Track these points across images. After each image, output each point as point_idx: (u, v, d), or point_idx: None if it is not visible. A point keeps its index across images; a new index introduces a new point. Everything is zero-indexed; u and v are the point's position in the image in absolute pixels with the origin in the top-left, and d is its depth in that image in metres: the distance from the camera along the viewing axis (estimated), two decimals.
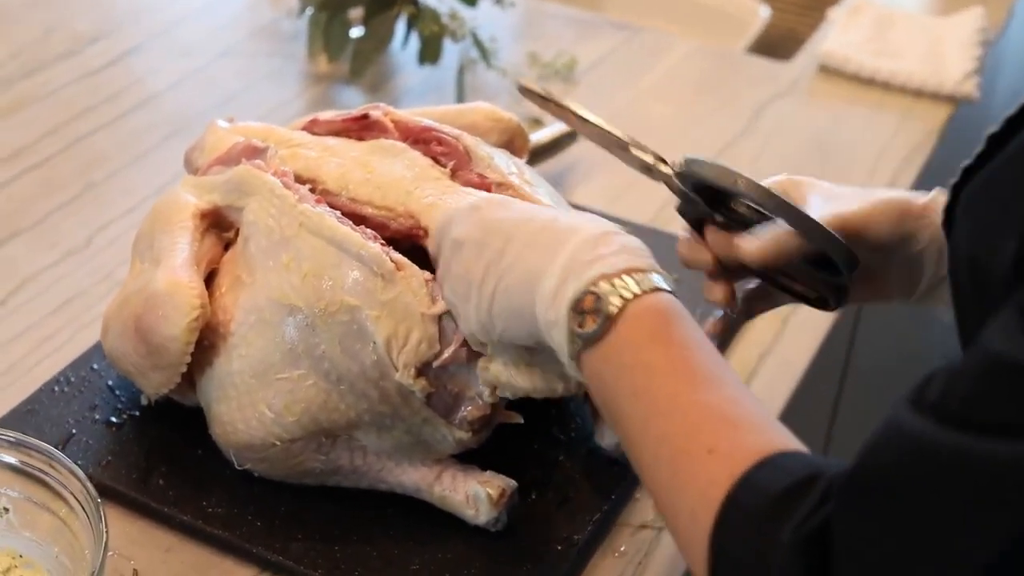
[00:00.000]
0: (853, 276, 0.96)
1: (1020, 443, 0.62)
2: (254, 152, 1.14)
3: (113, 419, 1.15)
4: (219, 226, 1.14)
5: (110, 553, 0.99)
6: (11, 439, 1.02)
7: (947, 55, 1.82)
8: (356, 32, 1.73)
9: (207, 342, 1.06)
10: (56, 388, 1.18)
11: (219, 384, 1.06)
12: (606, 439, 1.13)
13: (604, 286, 0.83)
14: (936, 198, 0.99)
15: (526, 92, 1.07)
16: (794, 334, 1.34)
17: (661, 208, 1.48)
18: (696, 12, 2.20)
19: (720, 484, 0.73)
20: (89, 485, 0.98)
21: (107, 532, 0.95)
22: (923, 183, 1.61)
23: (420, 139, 1.15)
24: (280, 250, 1.05)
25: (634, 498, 1.14)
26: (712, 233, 0.98)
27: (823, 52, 1.84)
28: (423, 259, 1.03)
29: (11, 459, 1.02)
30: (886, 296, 1.03)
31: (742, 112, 1.74)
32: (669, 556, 1.10)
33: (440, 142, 1.14)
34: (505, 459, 1.09)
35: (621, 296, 0.83)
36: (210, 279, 1.10)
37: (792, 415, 1.23)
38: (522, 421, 1.06)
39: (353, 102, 1.70)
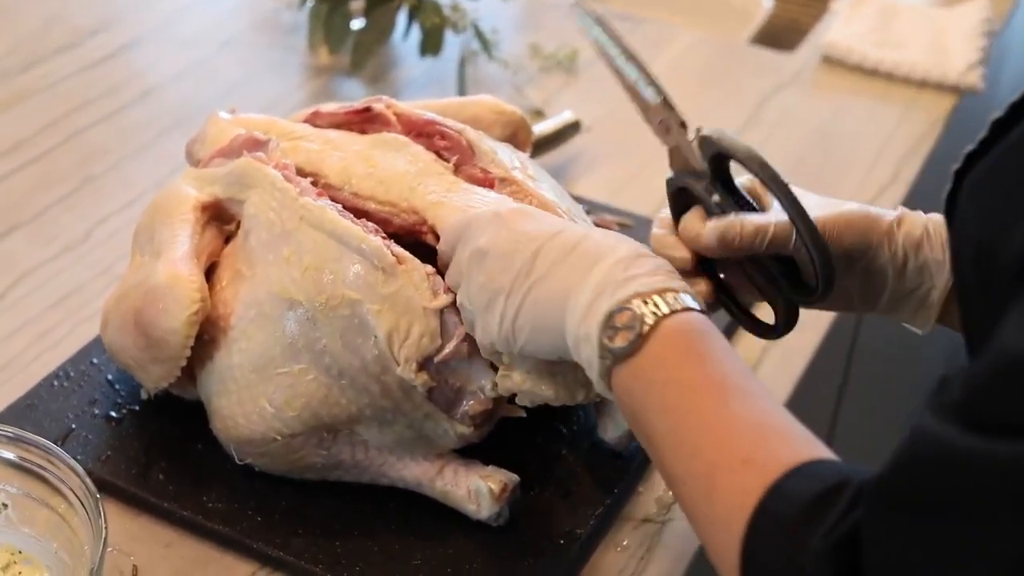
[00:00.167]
0: (827, 292, 0.94)
1: None
2: (256, 144, 1.13)
3: (113, 414, 1.15)
4: (220, 219, 1.13)
5: (109, 549, 0.98)
6: (10, 435, 1.02)
7: (951, 46, 1.81)
8: (357, 24, 1.73)
9: (207, 336, 1.06)
10: (55, 383, 1.17)
11: (219, 378, 1.06)
12: (609, 433, 1.13)
13: (638, 304, 0.84)
14: (903, 217, 0.99)
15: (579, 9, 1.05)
16: (798, 325, 1.33)
17: (663, 200, 1.47)
18: (699, 3, 2.19)
19: (753, 494, 0.74)
20: (88, 481, 0.97)
21: (106, 528, 0.94)
22: (927, 174, 1.60)
23: (423, 133, 1.15)
24: (281, 243, 1.04)
25: (637, 492, 1.13)
26: (685, 221, 0.97)
27: (826, 43, 1.83)
28: (424, 253, 1.02)
29: (10, 455, 1.02)
30: (847, 305, 1.03)
31: (745, 103, 1.73)
32: (672, 550, 1.09)
33: (443, 136, 1.13)
34: (507, 453, 1.08)
35: (654, 313, 0.83)
36: (210, 272, 1.09)
37: (796, 406, 1.22)
38: (524, 415, 1.05)
39: (354, 94, 1.69)
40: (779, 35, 2.06)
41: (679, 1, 2.19)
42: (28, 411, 1.14)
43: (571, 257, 0.89)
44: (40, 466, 1.01)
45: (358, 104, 1.19)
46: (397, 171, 1.09)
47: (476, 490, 1.04)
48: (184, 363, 1.05)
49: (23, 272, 1.35)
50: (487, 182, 1.09)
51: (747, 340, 1.30)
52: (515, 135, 1.25)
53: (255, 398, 1.04)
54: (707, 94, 1.76)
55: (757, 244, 0.94)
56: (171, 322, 1.04)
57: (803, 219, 0.92)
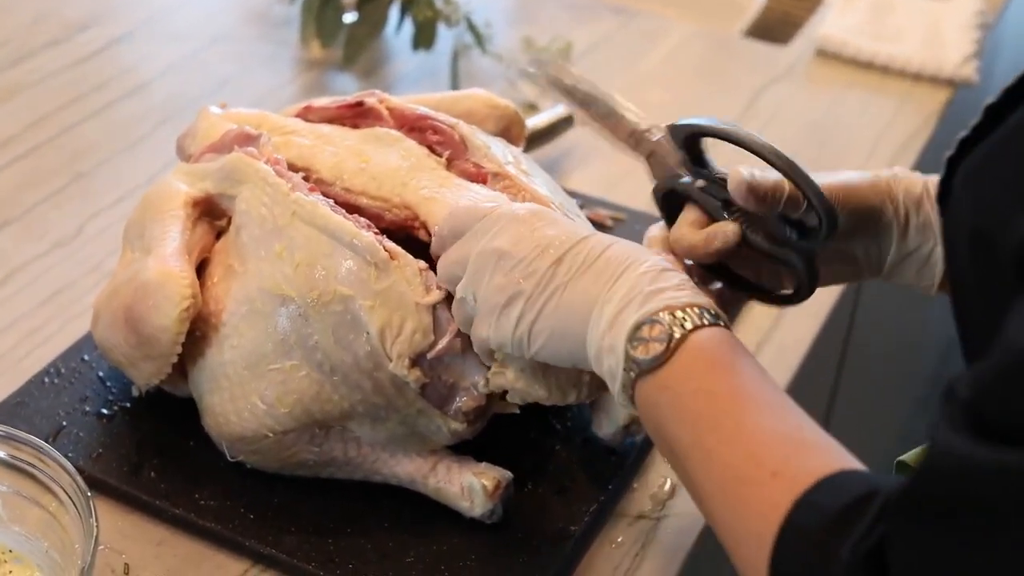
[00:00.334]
0: (834, 235, 0.94)
1: None
2: (247, 139, 1.13)
3: (104, 411, 1.14)
4: (211, 214, 1.13)
5: (101, 547, 0.98)
6: (0, 432, 1.01)
7: (946, 38, 1.81)
8: (349, 17, 1.72)
9: (198, 332, 1.05)
10: (46, 380, 1.16)
11: (211, 375, 1.05)
12: (603, 428, 1.12)
13: (666, 316, 0.83)
14: (901, 176, 1.00)
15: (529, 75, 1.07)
16: (792, 321, 1.33)
17: None
18: None
19: (782, 506, 0.73)
20: (79, 479, 0.97)
21: (97, 526, 0.94)
22: (922, 167, 1.59)
23: (415, 127, 1.14)
24: (273, 239, 1.03)
25: (631, 488, 1.13)
26: (676, 230, 0.97)
27: (821, 36, 1.83)
28: (416, 249, 1.01)
29: (0, 453, 1.01)
30: (856, 273, 1.03)
31: (740, 97, 1.73)
32: (667, 546, 1.09)
33: (436, 131, 1.13)
34: (500, 449, 1.08)
35: (682, 326, 0.83)
36: (202, 268, 1.09)
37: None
38: (518, 411, 1.05)
39: (346, 88, 1.68)
40: (772, 28, 2.06)
41: None
42: (19, 408, 1.13)
43: (595, 266, 0.88)
44: (31, 464, 1.00)
45: (350, 99, 1.18)
46: (389, 166, 1.09)
47: (469, 487, 1.04)
48: (175, 360, 1.05)
49: (13, 269, 1.34)
50: (480, 177, 1.08)
51: (740, 335, 1.30)
52: (508, 129, 1.24)
53: (247, 395, 1.03)
54: (701, 88, 1.75)
55: (779, 194, 0.93)
56: (162, 319, 1.03)
57: (788, 162, 0.92)
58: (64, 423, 1.12)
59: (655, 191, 1.00)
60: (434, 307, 0.99)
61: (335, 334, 0.99)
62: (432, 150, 1.11)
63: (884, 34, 1.83)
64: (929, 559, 0.65)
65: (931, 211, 0.98)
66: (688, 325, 0.83)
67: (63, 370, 1.17)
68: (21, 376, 1.17)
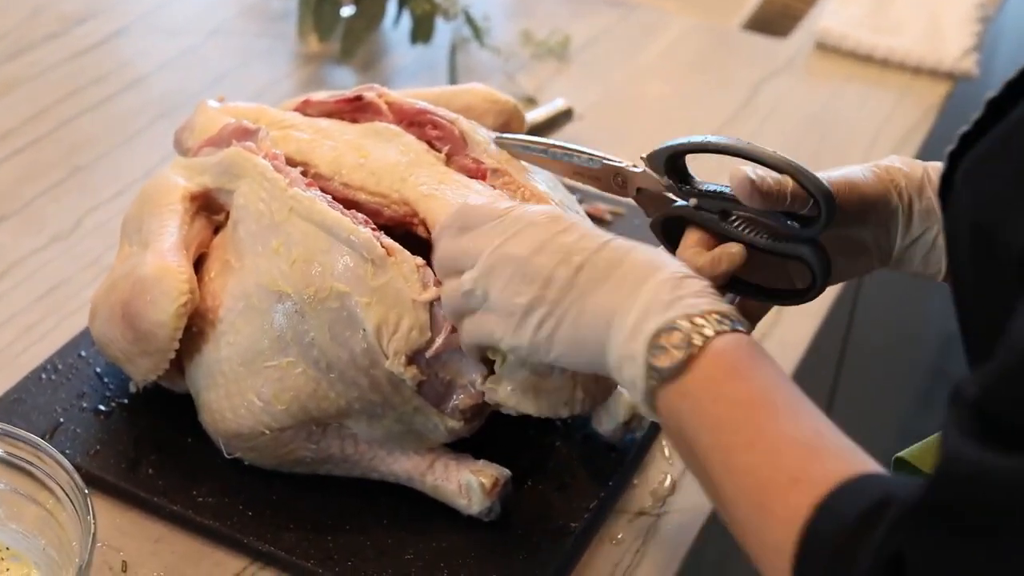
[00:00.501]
0: (834, 216, 0.94)
1: None
2: (245, 134, 1.12)
3: (101, 407, 1.13)
4: (209, 209, 1.12)
5: (98, 544, 0.97)
6: None
7: (946, 31, 1.80)
8: (347, 11, 1.71)
9: (195, 328, 1.05)
10: (43, 376, 1.16)
11: (208, 371, 1.05)
12: (603, 425, 1.12)
13: (685, 323, 0.83)
14: (899, 163, 1.00)
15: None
16: (792, 318, 1.33)
17: None
18: None
19: (802, 513, 0.73)
20: (76, 476, 0.96)
21: (95, 523, 0.93)
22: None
23: (415, 122, 1.13)
24: (270, 235, 1.03)
25: (632, 485, 1.12)
26: (680, 255, 0.97)
27: (820, 29, 1.82)
28: (414, 245, 1.01)
29: None
30: (867, 264, 1.02)
31: (739, 90, 1.72)
32: (667, 543, 1.08)
33: (435, 126, 1.12)
34: (499, 446, 1.08)
35: (702, 334, 0.82)
36: (199, 263, 1.08)
37: None
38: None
39: (344, 82, 1.68)
40: (772, 21, 2.05)
41: None
42: (16, 405, 1.13)
43: (616, 274, 0.87)
44: (28, 461, 1.00)
45: (349, 93, 1.18)
46: (388, 161, 1.08)
47: (467, 485, 1.03)
48: (172, 356, 1.05)
49: (10, 264, 1.33)
50: (479, 173, 1.08)
51: None
52: (508, 124, 1.23)
53: (243, 392, 1.02)
54: (700, 81, 1.75)
55: (783, 188, 0.93)
56: (159, 314, 1.03)
57: (773, 157, 0.92)
58: (61, 419, 1.12)
59: (652, 225, 1.00)
60: (431, 304, 0.98)
61: (331, 331, 0.99)
62: (431, 145, 1.11)
63: (884, 27, 1.82)
64: (946, 568, 0.65)
65: (933, 196, 0.98)
66: (708, 332, 0.82)
67: (60, 366, 1.17)
68: (18, 372, 1.17)
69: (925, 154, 1.61)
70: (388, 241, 1.00)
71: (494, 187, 1.06)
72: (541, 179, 1.10)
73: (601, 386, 0.99)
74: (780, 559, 0.74)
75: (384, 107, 1.15)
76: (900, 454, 0.98)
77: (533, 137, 1.06)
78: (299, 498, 1.07)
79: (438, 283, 0.98)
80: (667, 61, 1.79)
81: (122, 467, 1.08)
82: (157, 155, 1.49)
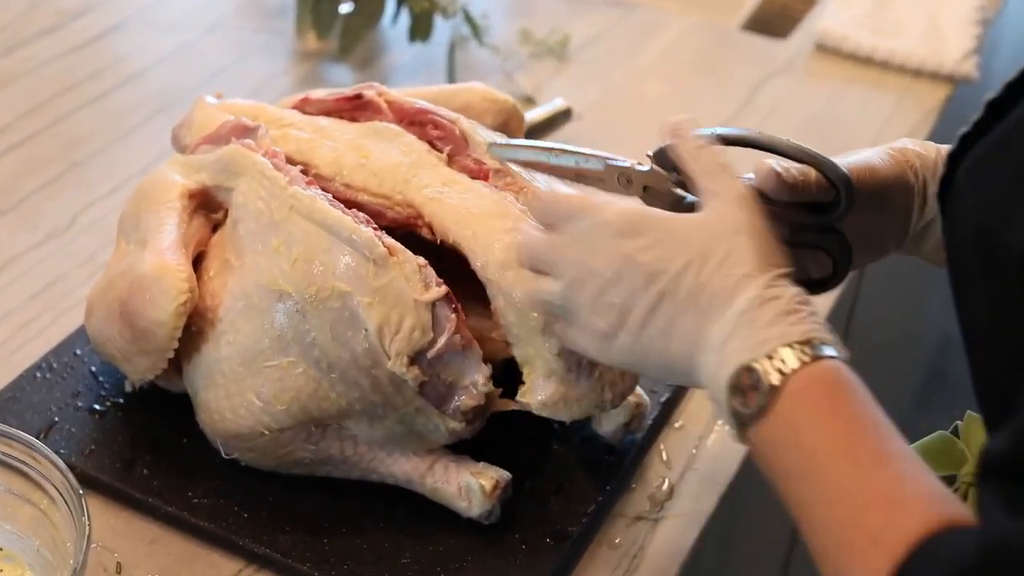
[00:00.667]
0: (852, 199, 0.93)
1: None
2: (244, 131, 1.11)
3: (96, 406, 1.13)
4: (207, 207, 1.12)
5: (93, 545, 0.97)
6: None
7: (946, 33, 1.80)
8: (345, 8, 1.70)
9: (194, 327, 1.04)
10: (38, 374, 1.15)
11: (206, 371, 1.04)
12: (603, 426, 1.11)
13: (763, 363, 0.80)
14: (913, 145, 1.00)
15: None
16: None
17: None
18: None
19: None
20: (71, 476, 0.96)
21: (90, 524, 0.93)
22: None
23: (415, 122, 1.13)
24: (270, 234, 1.02)
25: (630, 488, 1.12)
26: None
27: (820, 30, 1.82)
28: (416, 245, 1.00)
29: None
30: (883, 247, 1.02)
31: (738, 91, 1.71)
32: (665, 548, 1.08)
33: (436, 125, 1.11)
34: (499, 448, 1.07)
35: (779, 371, 0.79)
36: (198, 262, 1.08)
37: None
38: (516, 409, 1.04)
39: (342, 79, 1.67)
40: (771, 21, 2.04)
41: None
42: (10, 404, 1.12)
43: (698, 303, 0.84)
44: (22, 461, 0.99)
45: (348, 91, 1.17)
46: (390, 162, 1.07)
47: (467, 487, 1.03)
48: (171, 355, 1.04)
49: (5, 260, 1.33)
50: (482, 173, 1.07)
51: None
52: (507, 123, 1.22)
53: (243, 391, 1.02)
54: (700, 81, 1.74)
55: (808, 180, 0.92)
56: (158, 313, 1.02)
57: (787, 145, 0.92)
58: (56, 419, 1.11)
59: None
60: (433, 304, 0.98)
61: (333, 331, 0.98)
62: (432, 145, 1.10)
63: (884, 28, 1.82)
64: None
65: None
66: (787, 368, 0.79)
67: (55, 365, 1.16)
68: (12, 371, 1.16)
69: None
70: (390, 241, 0.99)
71: (497, 188, 1.05)
72: (542, 178, 1.09)
73: (627, 380, 1.00)
74: None
75: (384, 106, 1.15)
76: None
77: (531, 141, 1.05)
78: (296, 500, 1.06)
79: (439, 283, 0.98)
80: (667, 61, 1.78)
81: (117, 467, 1.08)
82: (154, 151, 1.48)
